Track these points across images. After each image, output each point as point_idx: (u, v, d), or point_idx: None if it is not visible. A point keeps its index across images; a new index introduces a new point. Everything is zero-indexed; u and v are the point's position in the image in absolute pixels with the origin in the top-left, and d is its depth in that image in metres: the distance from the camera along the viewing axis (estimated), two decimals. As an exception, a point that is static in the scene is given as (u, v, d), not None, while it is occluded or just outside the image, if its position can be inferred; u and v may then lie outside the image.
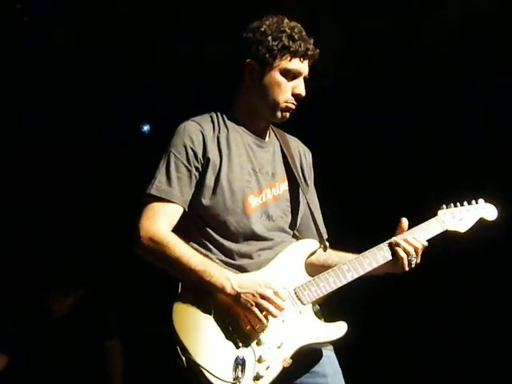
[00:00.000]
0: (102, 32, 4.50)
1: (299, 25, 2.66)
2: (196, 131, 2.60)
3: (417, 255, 2.62)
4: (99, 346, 4.47)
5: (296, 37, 2.61)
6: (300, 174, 2.80)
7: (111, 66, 4.77)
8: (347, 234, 3.13)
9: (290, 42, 2.60)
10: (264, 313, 2.41)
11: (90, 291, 4.56)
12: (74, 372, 4.33)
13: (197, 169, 2.57)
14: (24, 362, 4.32)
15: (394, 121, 5.05)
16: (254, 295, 2.42)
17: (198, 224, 2.60)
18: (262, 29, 2.63)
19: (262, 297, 2.42)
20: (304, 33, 2.65)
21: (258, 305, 2.41)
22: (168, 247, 2.46)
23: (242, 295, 2.42)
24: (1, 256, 5.09)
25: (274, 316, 2.42)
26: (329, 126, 5.04)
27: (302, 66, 2.64)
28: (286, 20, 2.66)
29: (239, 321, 2.44)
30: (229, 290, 2.43)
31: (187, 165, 2.56)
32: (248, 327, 2.43)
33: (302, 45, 2.62)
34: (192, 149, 2.57)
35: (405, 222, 2.69)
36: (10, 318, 4.44)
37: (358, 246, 2.70)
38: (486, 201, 2.88)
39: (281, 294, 2.45)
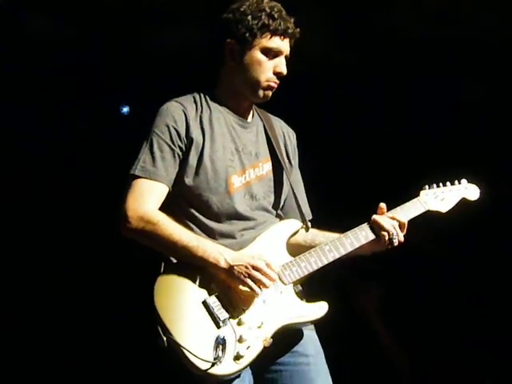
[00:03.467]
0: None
1: (279, 4, 2.65)
2: (178, 111, 2.60)
3: (397, 234, 2.63)
4: None
5: (276, 15, 2.61)
6: (284, 154, 2.80)
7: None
8: (333, 216, 3.14)
9: (270, 21, 2.59)
10: (257, 284, 2.43)
11: None
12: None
13: (180, 148, 2.57)
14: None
15: (379, 104, 5.04)
16: (246, 267, 2.43)
17: (181, 204, 2.60)
18: (242, 8, 2.62)
19: (255, 268, 2.43)
20: (284, 12, 2.64)
21: (250, 276, 2.42)
22: (158, 225, 2.46)
23: (235, 267, 2.43)
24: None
25: (267, 287, 2.44)
26: (315, 109, 5.02)
27: (282, 45, 2.64)
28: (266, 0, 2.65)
29: (224, 299, 2.44)
30: (222, 263, 2.44)
31: (170, 144, 2.56)
32: (238, 301, 2.44)
33: (282, 23, 2.61)
34: (175, 128, 2.57)
35: (383, 206, 2.70)
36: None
37: (344, 227, 2.70)
38: (468, 181, 2.90)
39: (272, 266, 2.47)
